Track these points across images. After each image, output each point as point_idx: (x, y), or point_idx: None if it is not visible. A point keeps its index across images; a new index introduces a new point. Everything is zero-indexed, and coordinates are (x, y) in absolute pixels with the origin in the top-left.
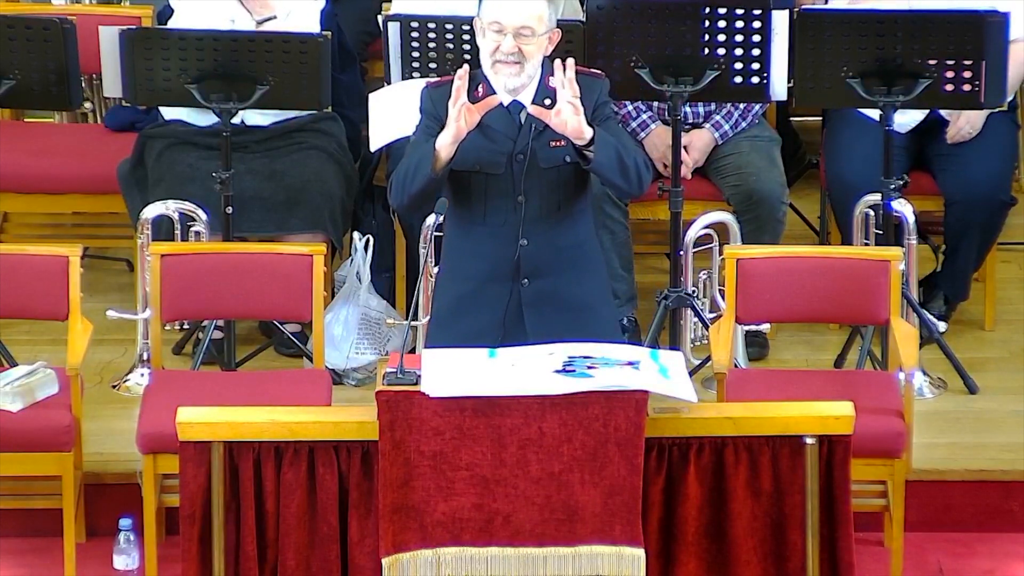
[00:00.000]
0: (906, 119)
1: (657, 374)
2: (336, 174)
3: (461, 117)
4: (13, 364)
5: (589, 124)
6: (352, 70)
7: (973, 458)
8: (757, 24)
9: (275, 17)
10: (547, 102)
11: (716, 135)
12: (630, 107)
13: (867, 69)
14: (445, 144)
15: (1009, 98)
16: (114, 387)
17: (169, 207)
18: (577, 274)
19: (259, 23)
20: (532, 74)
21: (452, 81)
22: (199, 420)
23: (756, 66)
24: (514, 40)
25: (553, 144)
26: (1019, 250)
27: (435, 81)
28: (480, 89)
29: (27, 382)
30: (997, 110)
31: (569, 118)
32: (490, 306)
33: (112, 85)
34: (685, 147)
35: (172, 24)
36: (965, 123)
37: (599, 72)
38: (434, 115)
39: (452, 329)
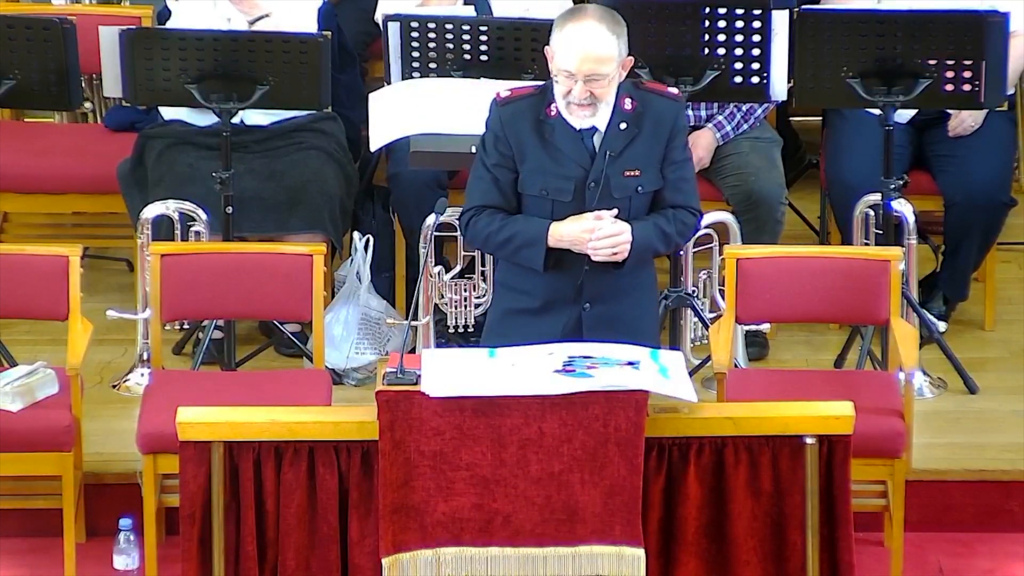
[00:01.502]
0: (905, 109)
1: (657, 374)
2: (336, 174)
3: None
4: (13, 364)
5: (629, 220)
6: (352, 70)
7: (973, 458)
8: (757, 24)
9: (268, 15)
10: (622, 126)
11: (718, 135)
12: None
13: (867, 69)
14: (560, 243)
15: (1010, 92)
16: (114, 387)
17: (169, 207)
18: (636, 298)
19: (251, 23)
20: (607, 109)
21: (523, 96)
22: (199, 420)
23: (756, 66)
24: (585, 85)
25: (627, 173)
26: (1019, 250)
27: (505, 96)
28: (553, 108)
29: (27, 382)
30: (997, 109)
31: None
32: (549, 325)
33: (112, 85)
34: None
35: (170, 25)
36: (968, 115)
37: (675, 92)
38: (503, 137)
39: (507, 341)
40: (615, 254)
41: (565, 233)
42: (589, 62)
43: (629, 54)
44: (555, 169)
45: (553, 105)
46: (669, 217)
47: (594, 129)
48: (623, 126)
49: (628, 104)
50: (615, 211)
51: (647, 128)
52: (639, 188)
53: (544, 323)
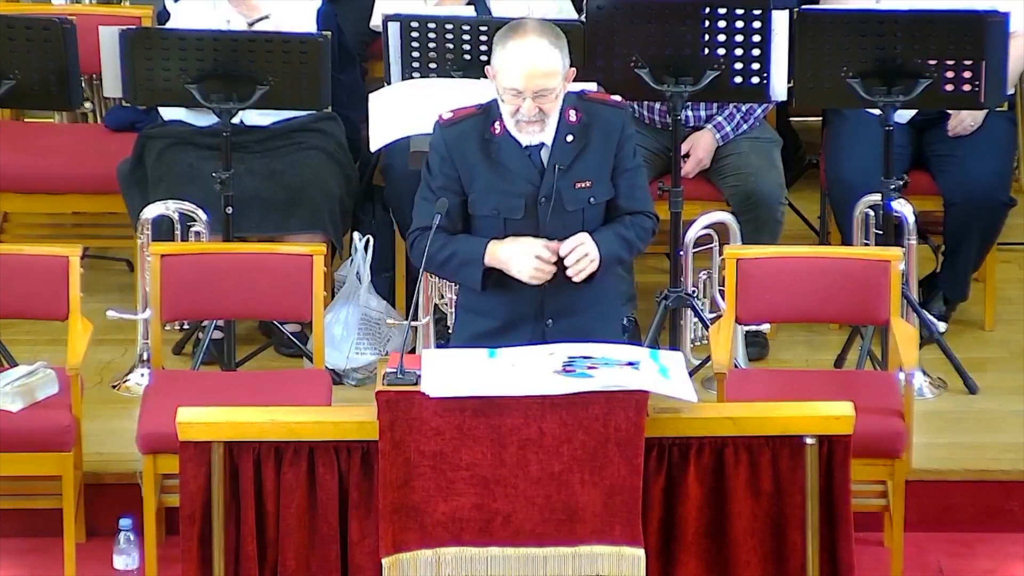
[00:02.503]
0: (905, 109)
1: (657, 374)
2: (336, 174)
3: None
4: (13, 364)
5: (591, 235)
6: (352, 70)
7: (973, 458)
8: (757, 24)
9: (267, 17)
10: (569, 138)
11: (717, 136)
12: None
13: (867, 69)
14: (500, 267)
15: (1010, 92)
16: (114, 387)
17: (169, 207)
18: (598, 311)
19: (251, 24)
20: (554, 122)
21: (466, 117)
22: (199, 420)
23: (756, 66)
24: (534, 101)
25: (579, 185)
26: (1019, 250)
27: (448, 118)
28: (497, 126)
29: (27, 382)
30: (997, 110)
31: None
32: (513, 344)
33: (112, 85)
34: (687, 152)
35: (169, 26)
36: (967, 115)
37: (619, 100)
38: (447, 158)
39: None
40: (590, 263)
41: (500, 253)
42: (536, 78)
43: (627, 53)
44: (504, 187)
45: (497, 123)
46: (627, 224)
47: (541, 144)
48: (570, 138)
49: (573, 116)
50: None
51: (595, 138)
52: (591, 199)
53: (507, 342)
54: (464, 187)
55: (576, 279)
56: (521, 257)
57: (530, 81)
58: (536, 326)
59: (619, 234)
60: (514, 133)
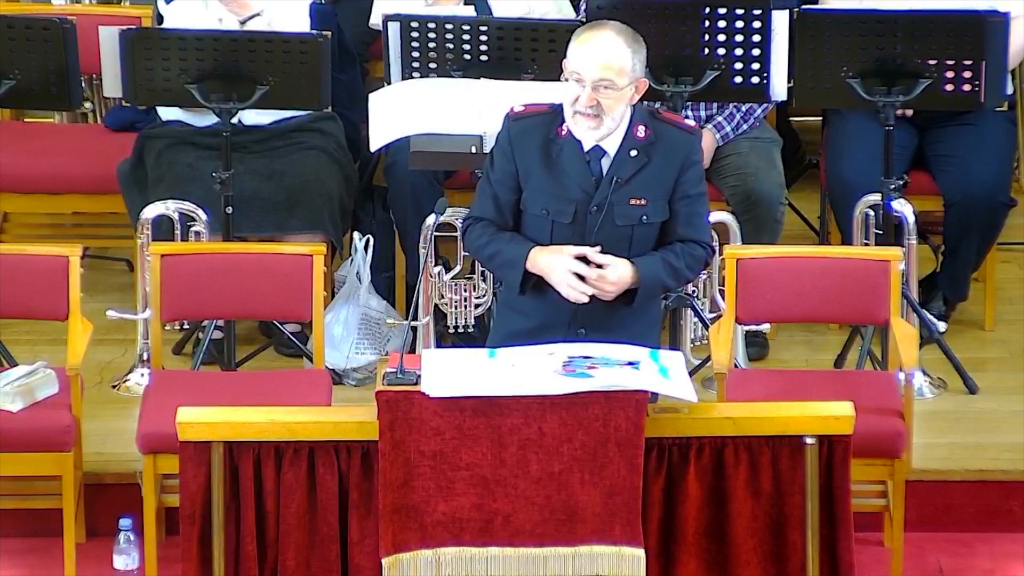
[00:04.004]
0: (905, 109)
1: (657, 374)
2: (336, 174)
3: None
4: (13, 364)
5: (631, 261)
6: (352, 70)
7: (973, 458)
8: (757, 24)
9: (259, 14)
10: (633, 153)
11: (718, 136)
12: None
13: (867, 69)
14: (541, 274)
15: (1010, 92)
16: (114, 387)
17: (169, 207)
18: (633, 332)
19: (242, 22)
20: (612, 126)
21: (536, 114)
22: (199, 420)
23: (756, 66)
24: (592, 92)
25: (633, 202)
26: (1019, 250)
27: (519, 111)
28: (564, 127)
29: (27, 382)
30: (997, 110)
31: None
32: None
33: (112, 85)
34: None
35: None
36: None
37: (691, 125)
38: (508, 153)
39: None
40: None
41: (541, 261)
42: (601, 68)
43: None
44: (557, 190)
45: (565, 125)
46: (678, 252)
47: (603, 153)
48: (634, 153)
49: (641, 132)
50: (598, 248)
51: (657, 158)
52: (644, 218)
53: (542, 343)
54: (520, 183)
55: (603, 295)
56: (560, 271)
57: (595, 70)
58: (568, 333)
59: (666, 260)
60: (571, 125)
